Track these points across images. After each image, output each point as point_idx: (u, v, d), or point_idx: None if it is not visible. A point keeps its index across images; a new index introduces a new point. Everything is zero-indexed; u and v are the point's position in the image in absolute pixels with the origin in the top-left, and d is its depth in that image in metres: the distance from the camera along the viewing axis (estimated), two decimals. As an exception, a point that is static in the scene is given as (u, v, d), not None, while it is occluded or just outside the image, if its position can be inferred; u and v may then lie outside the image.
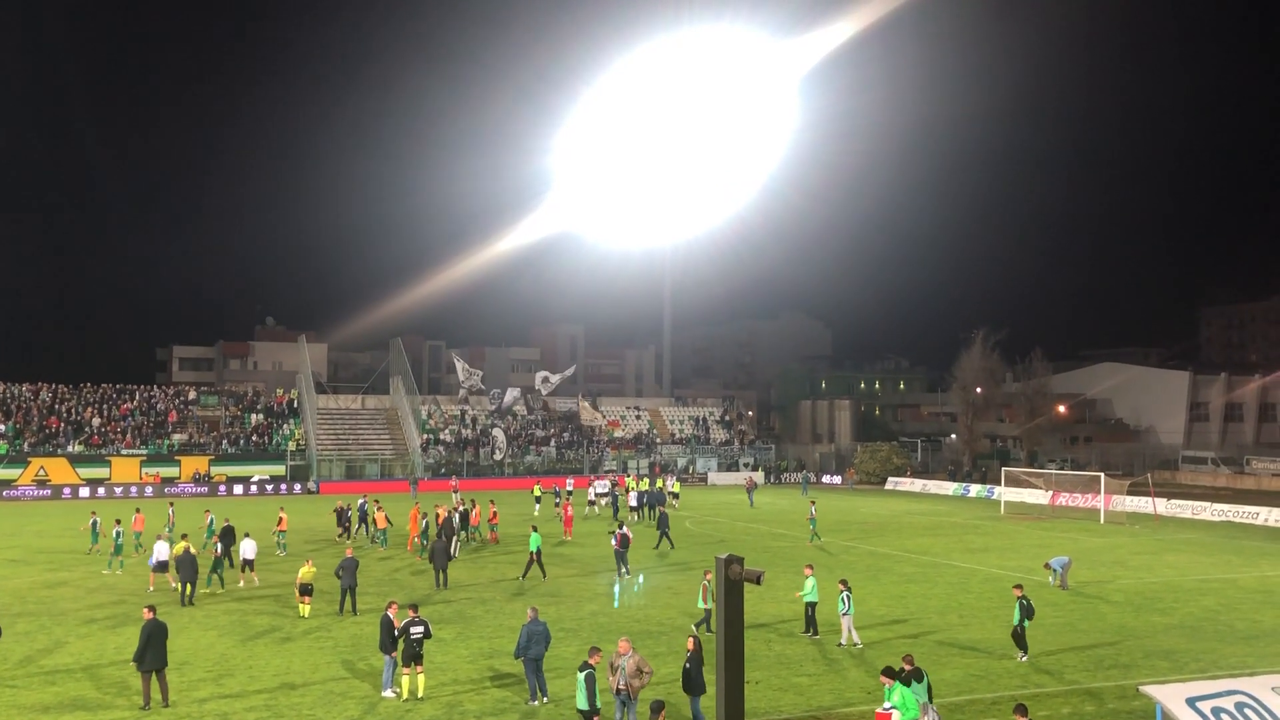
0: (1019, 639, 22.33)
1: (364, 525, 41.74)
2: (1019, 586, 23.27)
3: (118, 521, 34.67)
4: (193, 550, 28.78)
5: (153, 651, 18.31)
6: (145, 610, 19.01)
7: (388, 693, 19.13)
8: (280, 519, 38.08)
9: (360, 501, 43.19)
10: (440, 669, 20.98)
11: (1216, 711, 12.17)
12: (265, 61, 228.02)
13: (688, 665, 16.94)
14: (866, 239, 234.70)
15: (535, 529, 34.40)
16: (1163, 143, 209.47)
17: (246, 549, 31.20)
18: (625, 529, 33.91)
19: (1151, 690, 13.02)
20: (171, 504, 44.35)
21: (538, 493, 54.70)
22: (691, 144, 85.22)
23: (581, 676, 16.03)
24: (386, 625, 19.52)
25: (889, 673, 15.31)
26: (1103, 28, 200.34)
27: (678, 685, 17.57)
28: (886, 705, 14.76)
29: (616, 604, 28.59)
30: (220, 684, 19.98)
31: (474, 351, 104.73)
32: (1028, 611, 22.33)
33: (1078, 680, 20.73)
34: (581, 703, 15.98)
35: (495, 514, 42.26)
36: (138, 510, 38.98)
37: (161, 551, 30.30)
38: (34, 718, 17.82)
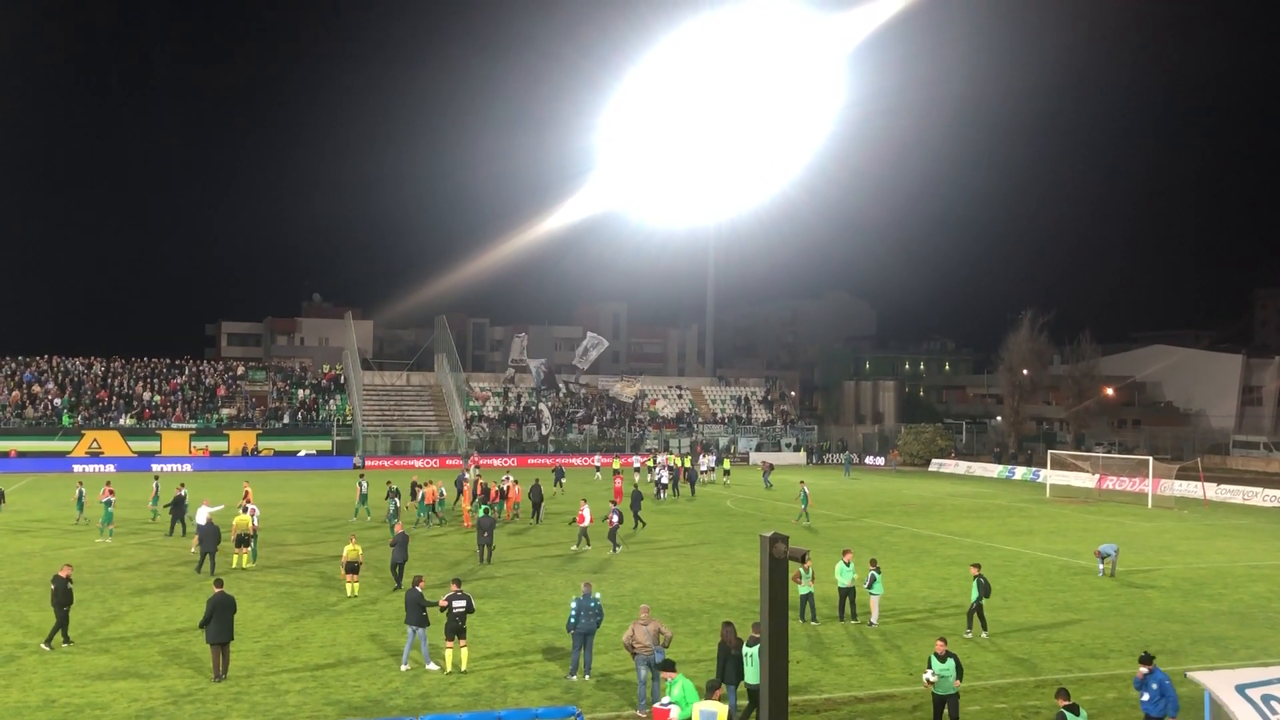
0: (974, 616, 22.53)
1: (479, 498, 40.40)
2: (976, 566, 23.27)
3: (109, 492, 36.15)
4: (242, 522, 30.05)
5: (217, 624, 18.51)
6: (215, 584, 19.42)
7: (436, 666, 19.33)
8: (246, 493, 38.71)
9: (475, 472, 44.17)
10: (483, 643, 21.20)
11: (1267, 699, 12.02)
12: (315, 41, 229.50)
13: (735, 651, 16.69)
14: (913, 218, 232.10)
15: (487, 505, 35.39)
16: (1216, 118, 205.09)
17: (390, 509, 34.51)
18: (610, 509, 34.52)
19: (1199, 676, 12.89)
20: (157, 477, 44.88)
21: (617, 465, 56.96)
22: (736, 121, 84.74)
23: (753, 651, 16.08)
24: (413, 600, 19.56)
25: (667, 666, 14.76)
26: (1157, 3, 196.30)
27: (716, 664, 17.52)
28: (665, 700, 14.10)
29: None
30: (269, 656, 20.31)
31: (517, 329, 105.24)
32: (985, 590, 22.42)
33: (1123, 665, 20.51)
34: (751, 677, 16.01)
35: (496, 491, 41.06)
36: (108, 483, 39.64)
37: (203, 515, 31.31)
38: (89, 685, 18.24)
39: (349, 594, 25.90)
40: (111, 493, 36.04)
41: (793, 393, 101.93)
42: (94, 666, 19.33)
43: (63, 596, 20.54)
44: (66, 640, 20.66)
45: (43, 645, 20.45)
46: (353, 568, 26.02)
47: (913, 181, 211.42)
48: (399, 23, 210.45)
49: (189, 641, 20.97)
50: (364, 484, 41.92)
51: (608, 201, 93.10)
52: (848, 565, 23.91)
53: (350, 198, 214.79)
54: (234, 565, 29.38)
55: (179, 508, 35.41)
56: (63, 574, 20.82)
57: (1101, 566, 30.75)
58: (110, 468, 62.68)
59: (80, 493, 39.53)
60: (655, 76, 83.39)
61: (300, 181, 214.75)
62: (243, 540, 29.78)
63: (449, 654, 19.27)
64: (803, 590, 23.05)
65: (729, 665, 16.63)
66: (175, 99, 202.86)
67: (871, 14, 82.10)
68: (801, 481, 45.77)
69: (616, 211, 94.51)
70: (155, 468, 62.74)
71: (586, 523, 33.99)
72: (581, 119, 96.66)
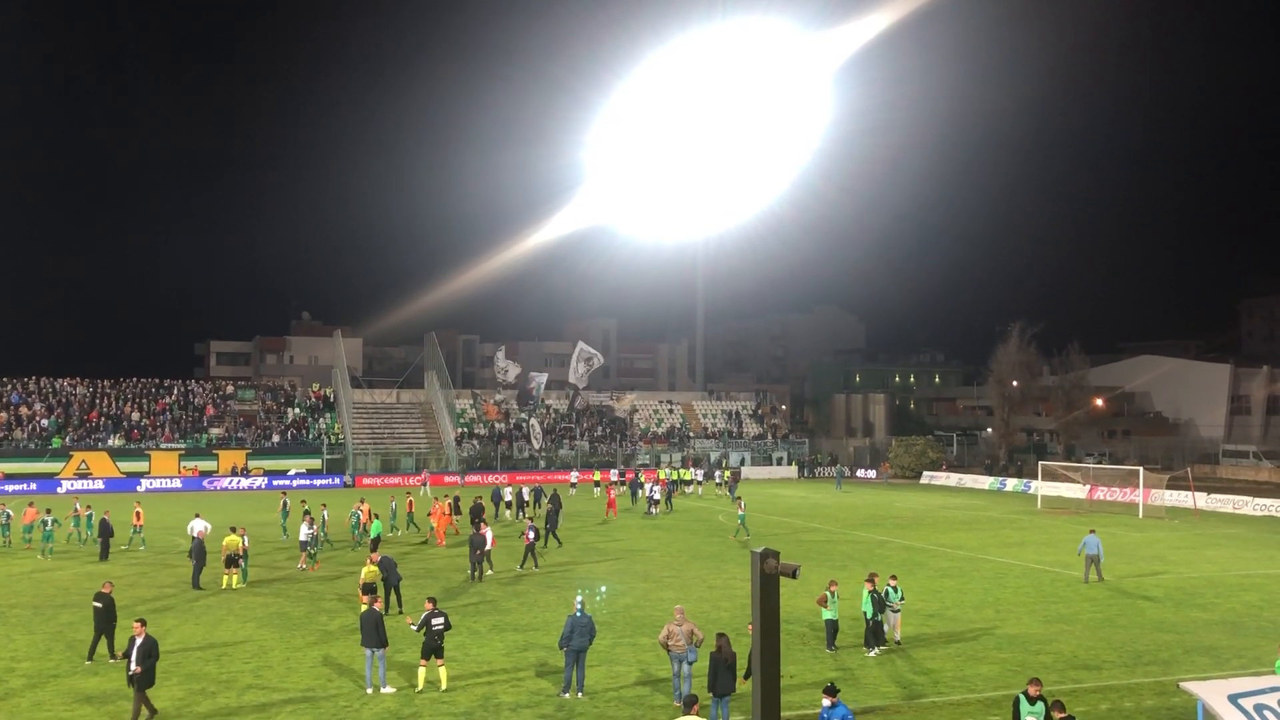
0: (873, 631, 22.15)
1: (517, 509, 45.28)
2: (870, 580, 22.51)
3: (48, 511, 36.56)
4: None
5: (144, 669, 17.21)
6: (136, 624, 17.80)
7: (372, 689, 19.07)
8: (137, 513, 38.58)
9: (511, 490, 47.69)
10: (475, 661, 21.11)
11: (1260, 709, 12.03)
12: (301, 59, 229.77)
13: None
14: (900, 231, 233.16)
15: (377, 516, 36.26)
16: (1200, 132, 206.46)
17: (303, 533, 33.39)
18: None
19: (1192, 687, 12.89)
20: (78, 500, 43.87)
21: (597, 477, 61.19)
22: (724, 137, 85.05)
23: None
24: (370, 621, 19.15)
25: None
26: (1138, 18, 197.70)
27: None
28: None
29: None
30: (259, 676, 20.20)
31: (508, 346, 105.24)
32: (878, 606, 22.08)
33: (1116, 676, 20.54)
34: None
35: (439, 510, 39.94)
36: (30, 504, 39.39)
37: (304, 532, 33.10)
38: (78, 709, 18.10)
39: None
40: (46, 513, 36.10)
41: (783, 406, 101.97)
42: (82, 690, 19.19)
43: (108, 613, 20.88)
44: (113, 656, 20.81)
45: (110, 660, 20.77)
46: (369, 589, 25.41)
47: (900, 196, 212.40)
48: (385, 39, 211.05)
49: (178, 663, 20.86)
50: (286, 502, 41.75)
51: (596, 217, 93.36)
52: (865, 590, 22.77)
53: (338, 215, 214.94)
54: (224, 586, 29.23)
55: (106, 530, 35.34)
56: (105, 590, 21.24)
57: (1086, 557, 30.58)
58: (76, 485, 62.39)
59: (6, 514, 38.83)
60: (643, 92, 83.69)
61: (288, 199, 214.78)
62: (232, 560, 29.61)
63: (422, 671, 19.16)
64: (827, 615, 22.35)
65: (719, 675, 16.69)
66: (161, 116, 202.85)
67: (857, 32, 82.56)
68: (739, 498, 47.46)
69: (605, 226, 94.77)
70: (140, 486, 62.62)
71: (488, 546, 32.38)
72: (569, 134, 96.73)
